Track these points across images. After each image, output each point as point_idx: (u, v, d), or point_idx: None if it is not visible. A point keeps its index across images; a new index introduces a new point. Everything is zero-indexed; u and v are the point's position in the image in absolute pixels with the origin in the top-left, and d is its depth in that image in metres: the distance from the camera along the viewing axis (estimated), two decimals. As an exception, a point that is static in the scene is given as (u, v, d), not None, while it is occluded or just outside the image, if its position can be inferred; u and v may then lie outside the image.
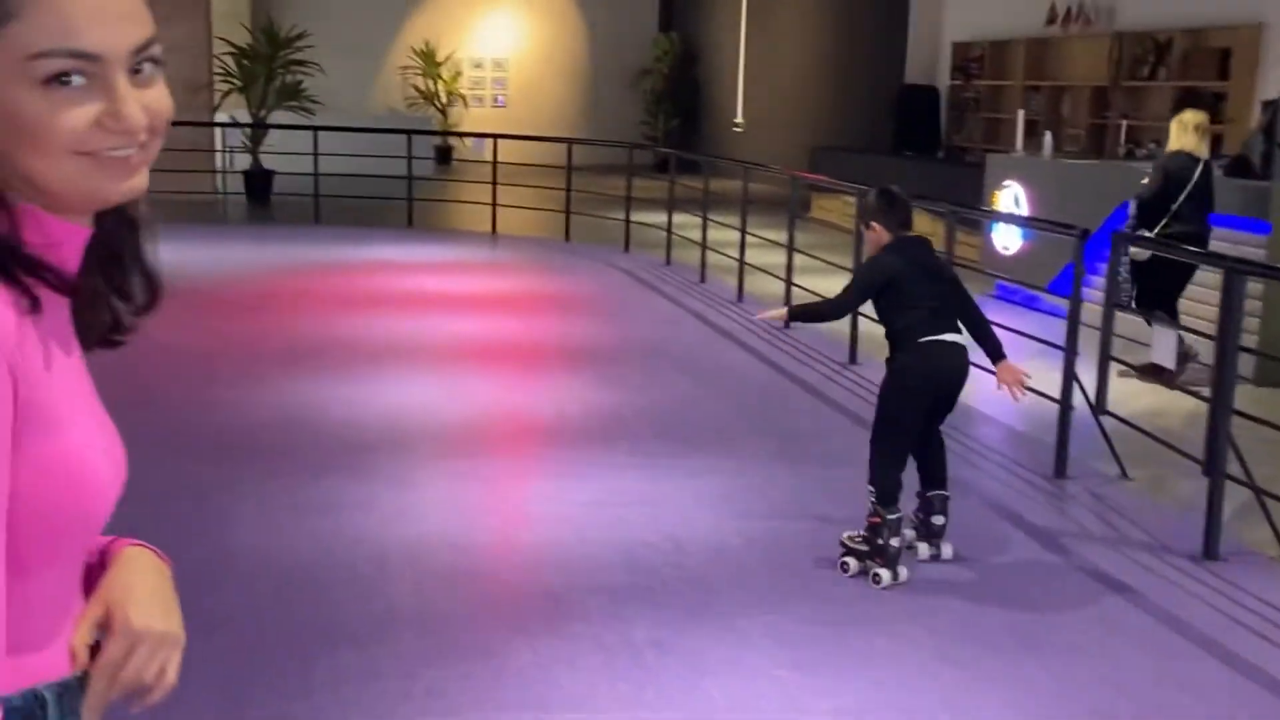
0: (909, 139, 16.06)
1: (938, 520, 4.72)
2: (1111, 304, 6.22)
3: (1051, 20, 14.34)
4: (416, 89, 23.83)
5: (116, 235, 1.19)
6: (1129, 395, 7.04)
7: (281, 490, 5.29)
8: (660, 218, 12.17)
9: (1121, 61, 13.29)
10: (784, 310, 4.92)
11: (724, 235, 10.88)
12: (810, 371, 7.80)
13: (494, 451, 6.19)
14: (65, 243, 1.12)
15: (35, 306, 1.08)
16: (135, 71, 1.08)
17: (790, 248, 9.30)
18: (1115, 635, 4.15)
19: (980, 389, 7.32)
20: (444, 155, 22.53)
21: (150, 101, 1.09)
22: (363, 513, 5.03)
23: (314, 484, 5.38)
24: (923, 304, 4.51)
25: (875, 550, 4.46)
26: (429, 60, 23.74)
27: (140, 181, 1.12)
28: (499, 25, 24.66)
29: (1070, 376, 5.83)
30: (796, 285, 8.94)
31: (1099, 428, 5.94)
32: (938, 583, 4.53)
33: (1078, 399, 5.82)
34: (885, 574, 4.43)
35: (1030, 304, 9.60)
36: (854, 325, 7.83)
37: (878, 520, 4.44)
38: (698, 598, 4.29)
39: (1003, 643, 4.04)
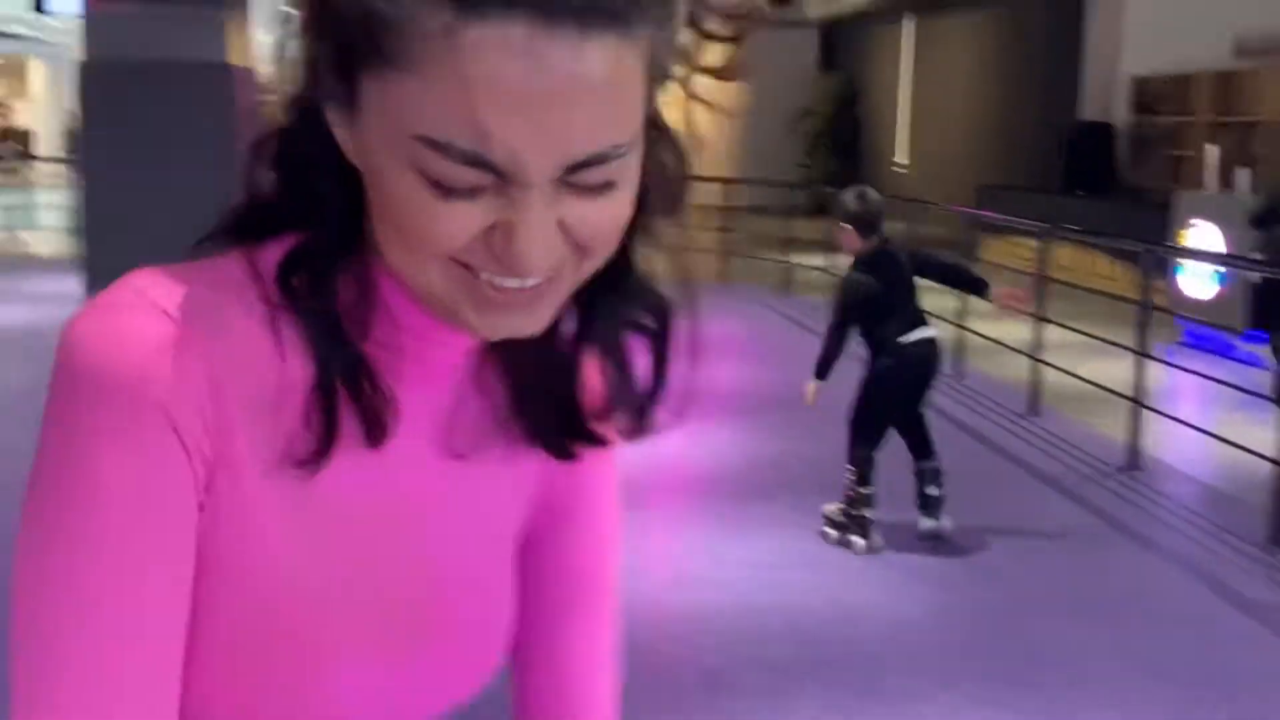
0: (1081, 178, 15.31)
1: (931, 491, 5.00)
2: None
3: (1240, 52, 13.54)
4: (573, 131, 23.91)
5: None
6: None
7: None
8: (820, 260, 11.76)
9: (1318, 94, 12.45)
10: (813, 383, 5.11)
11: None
12: (987, 423, 7.29)
13: (646, 504, 5.85)
14: (438, 352, 0.81)
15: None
16: (572, 184, 0.69)
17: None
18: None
19: (1176, 444, 6.77)
20: (600, 196, 22.50)
21: (585, 214, 0.71)
22: (508, 568, 4.74)
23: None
24: (897, 312, 4.91)
25: (853, 520, 4.97)
26: (586, 103, 23.82)
27: (530, 323, 0.74)
28: (657, 67, 24.62)
29: (1287, 433, 5.25)
30: (967, 329, 8.43)
31: (1317, 490, 5.34)
32: (1144, 662, 4.02)
33: (1293, 458, 5.24)
34: (860, 541, 4.93)
35: (1225, 352, 8.91)
36: (1035, 374, 7.31)
37: (854, 495, 4.96)
38: (870, 676, 3.88)
39: (1227, 742, 3.54)
